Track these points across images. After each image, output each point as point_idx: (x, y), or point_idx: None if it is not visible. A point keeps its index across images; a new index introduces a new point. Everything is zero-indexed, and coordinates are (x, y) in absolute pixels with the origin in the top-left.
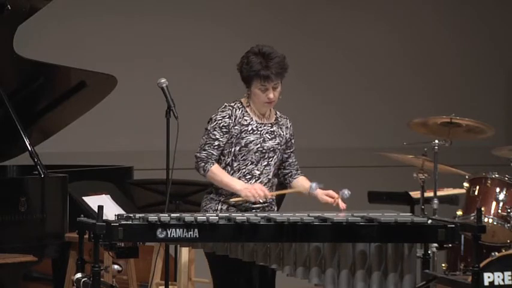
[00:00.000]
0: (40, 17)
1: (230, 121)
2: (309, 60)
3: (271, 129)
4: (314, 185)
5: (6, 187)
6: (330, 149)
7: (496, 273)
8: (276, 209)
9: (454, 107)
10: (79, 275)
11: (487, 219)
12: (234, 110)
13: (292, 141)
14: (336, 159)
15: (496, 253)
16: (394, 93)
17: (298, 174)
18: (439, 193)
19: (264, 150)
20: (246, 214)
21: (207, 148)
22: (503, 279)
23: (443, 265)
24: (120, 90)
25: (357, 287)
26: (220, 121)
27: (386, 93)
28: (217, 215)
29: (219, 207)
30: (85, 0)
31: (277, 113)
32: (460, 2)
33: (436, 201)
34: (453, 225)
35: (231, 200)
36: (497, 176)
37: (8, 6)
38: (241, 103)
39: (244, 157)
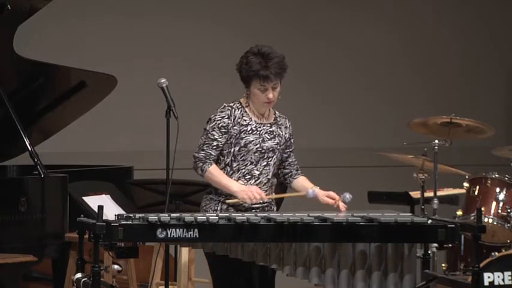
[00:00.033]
0: (40, 17)
1: (229, 121)
2: (308, 60)
3: (271, 129)
4: (311, 191)
5: (6, 187)
6: (330, 149)
7: (496, 273)
8: (275, 209)
9: (454, 107)
10: (79, 275)
11: (487, 219)
12: (233, 110)
13: (292, 140)
14: (336, 159)
15: (496, 253)
16: (394, 93)
17: (299, 174)
18: (439, 193)
19: (263, 150)
20: (246, 214)
21: (205, 148)
22: (503, 279)
23: (443, 265)
24: (120, 90)
25: (357, 287)
26: (219, 121)
27: (386, 93)
28: (217, 215)
29: (219, 207)
30: (85, 0)
31: (276, 112)
32: (460, 2)
33: (436, 201)
34: (453, 225)
35: (228, 201)
36: (497, 176)
37: (8, 6)
38: (241, 103)
39: (243, 157)
